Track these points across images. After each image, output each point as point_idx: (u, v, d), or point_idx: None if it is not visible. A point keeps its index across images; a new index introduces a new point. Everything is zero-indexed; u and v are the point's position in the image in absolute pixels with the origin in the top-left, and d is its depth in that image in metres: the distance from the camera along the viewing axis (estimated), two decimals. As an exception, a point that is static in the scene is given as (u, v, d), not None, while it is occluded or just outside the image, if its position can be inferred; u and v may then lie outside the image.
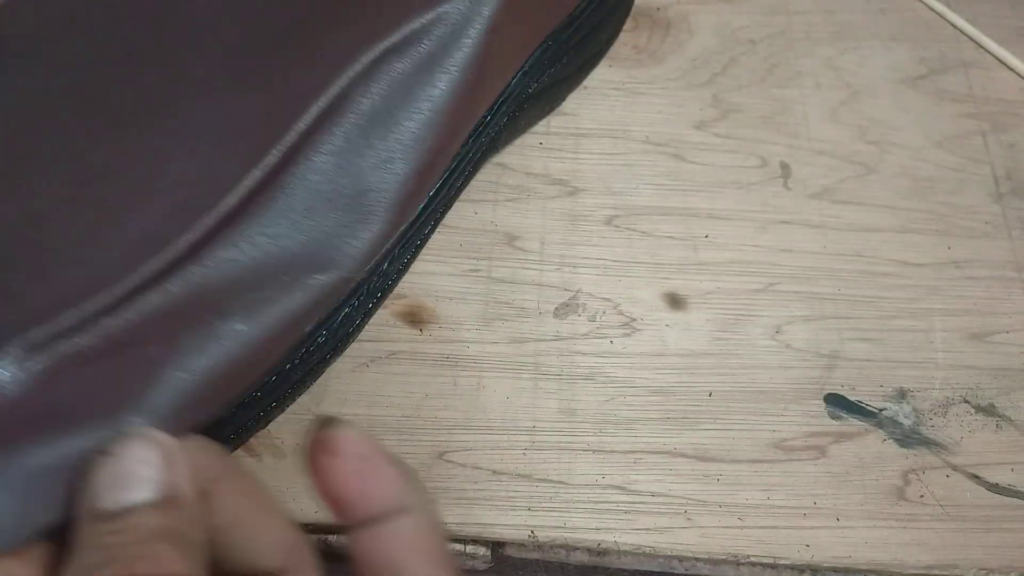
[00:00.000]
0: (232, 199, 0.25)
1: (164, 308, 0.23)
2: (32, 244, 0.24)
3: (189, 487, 0.15)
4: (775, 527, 0.29)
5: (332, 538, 0.28)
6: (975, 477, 0.30)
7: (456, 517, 0.28)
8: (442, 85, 0.28)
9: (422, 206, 0.31)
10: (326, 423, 0.20)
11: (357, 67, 0.27)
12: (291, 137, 0.26)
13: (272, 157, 0.25)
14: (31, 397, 0.19)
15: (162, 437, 0.16)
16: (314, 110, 0.26)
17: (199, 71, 0.27)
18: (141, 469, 0.15)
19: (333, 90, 0.27)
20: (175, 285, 0.23)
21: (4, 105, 0.26)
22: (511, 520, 0.28)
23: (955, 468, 0.30)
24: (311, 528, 0.28)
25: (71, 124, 0.26)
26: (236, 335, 0.24)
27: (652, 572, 0.29)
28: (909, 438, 0.30)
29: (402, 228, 0.29)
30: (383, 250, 0.30)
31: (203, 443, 0.18)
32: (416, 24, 0.28)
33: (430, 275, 0.33)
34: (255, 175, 0.25)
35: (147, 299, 0.22)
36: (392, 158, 0.28)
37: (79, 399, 0.20)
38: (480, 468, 0.29)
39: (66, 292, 0.22)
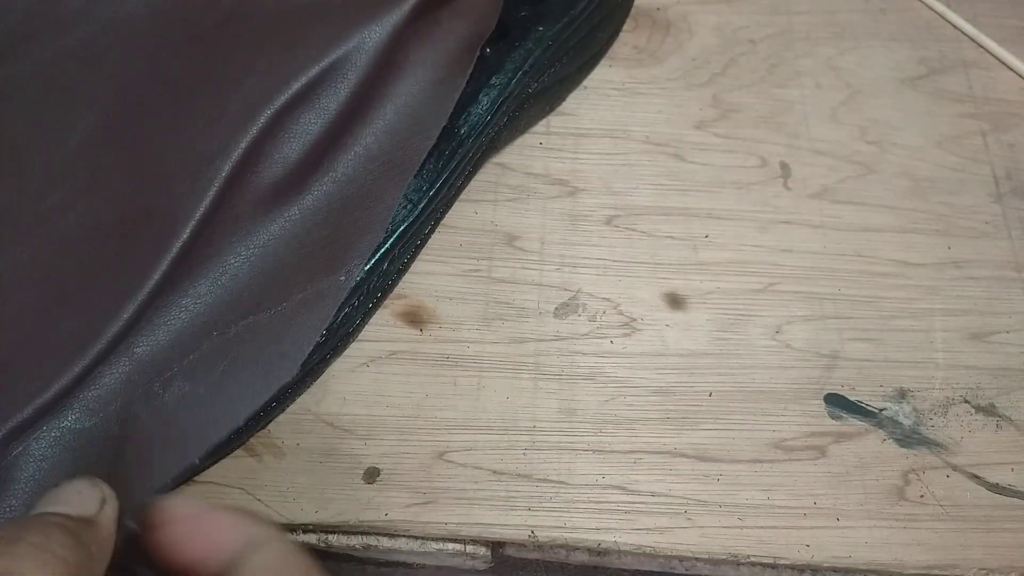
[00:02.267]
0: (156, 273, 0.26)
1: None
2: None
3: (107, 518, 0.20)
4: (775, 527, 0.29)
5: (332, 538, 0.28)
6: (975, 477, 0.30)
7: (456, 517, 0.28)
8: (348, 128, 0.29)
9: (422, 206, 0.31)
10: (143, 508, 0.20)
11: (260, 123, 0.28)
12: (203, 205, 0.27)
13: (189, 228, 0.27)
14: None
15: (103, 485, 0.20)
16: (223, 173, 0.27)
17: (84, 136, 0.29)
18: (75, 496, 0.20)
19: (238, 152, 0.27)
20: (120, 361, 0.26)
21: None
22: (511, 520, 0.28)
23: (955, 468, 0.30)
24: (311, 528, 0.28)
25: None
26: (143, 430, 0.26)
27: (652, 572, 0.29)
28: (909, 438, 0.30)
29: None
30: (382, 251, 0.30)
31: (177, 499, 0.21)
32: (311, 74, 0.28)
33: (430, 275, 0.33)
34: (174, 250, 0.27)
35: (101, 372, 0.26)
36: (303, 214, 0.28)
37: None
38: (480, 468, 0.29)
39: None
